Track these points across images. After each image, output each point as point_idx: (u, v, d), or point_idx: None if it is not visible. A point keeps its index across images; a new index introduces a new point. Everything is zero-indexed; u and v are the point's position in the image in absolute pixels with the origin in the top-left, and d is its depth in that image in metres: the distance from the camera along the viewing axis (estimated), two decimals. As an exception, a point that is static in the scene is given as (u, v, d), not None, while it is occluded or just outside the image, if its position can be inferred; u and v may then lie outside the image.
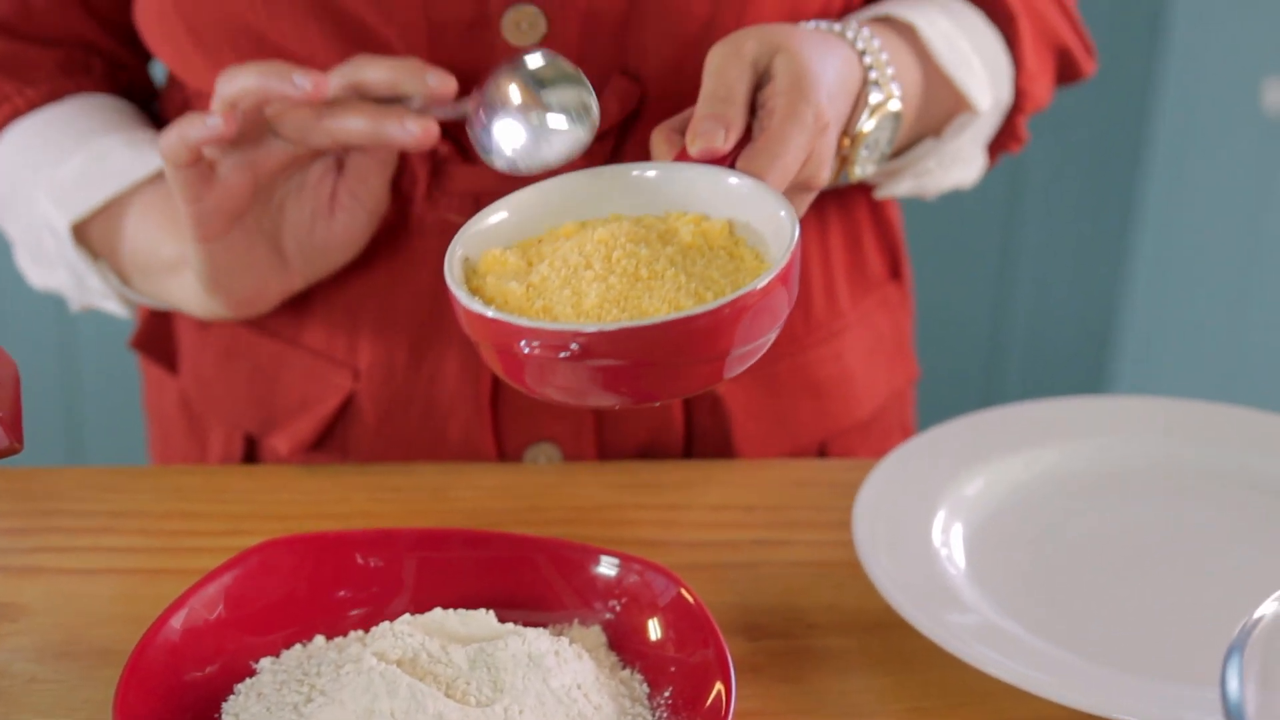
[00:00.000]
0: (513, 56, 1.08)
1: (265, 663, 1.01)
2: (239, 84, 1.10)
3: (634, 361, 0.92)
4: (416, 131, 1.11)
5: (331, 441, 1.33)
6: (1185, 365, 2.84)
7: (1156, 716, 0.98)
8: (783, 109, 1.04)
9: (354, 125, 1.11)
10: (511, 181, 1.22)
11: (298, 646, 1.03)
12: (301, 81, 1.09)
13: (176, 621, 1.00)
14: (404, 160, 1.23)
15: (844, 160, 1.16)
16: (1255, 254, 2.63)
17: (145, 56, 1.36)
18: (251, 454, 1.38)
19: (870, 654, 1.09)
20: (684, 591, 1.02)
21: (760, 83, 1.07)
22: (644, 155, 1.21)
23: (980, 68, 1.27)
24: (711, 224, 1.00)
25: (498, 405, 1.29)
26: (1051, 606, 1.10)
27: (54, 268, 1.28)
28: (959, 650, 1.02)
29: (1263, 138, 2.57)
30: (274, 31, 1.18)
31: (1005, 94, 1.31)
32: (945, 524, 1.16)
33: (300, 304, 1.30)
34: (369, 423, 1.31)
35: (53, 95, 1.29)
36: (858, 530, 1.12)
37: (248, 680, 1.00)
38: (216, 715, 0.98)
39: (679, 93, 1.19)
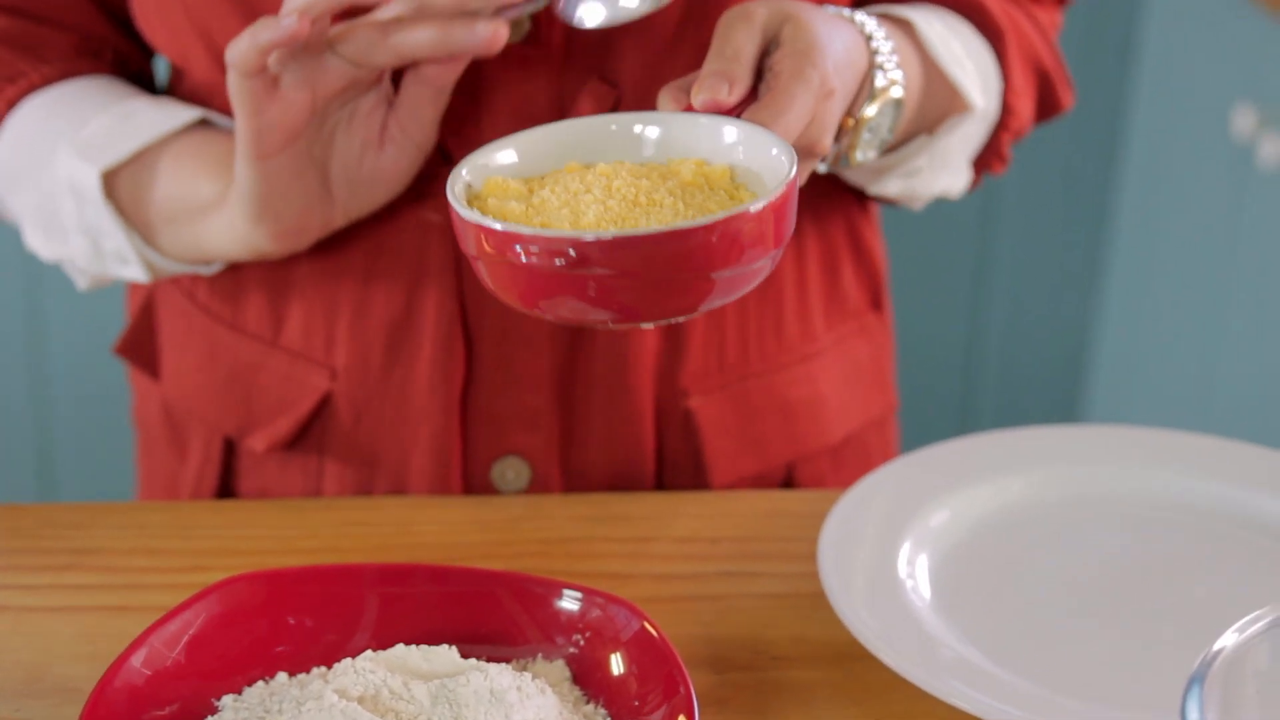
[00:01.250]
0: None
1: (227, 700, 1.01)
2: None
3: (625, 272, 0.94)
4: (487, 34, 1.10)
5: (308, 441, 1.33)
6: (1158, 392, 2.84)
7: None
8: (789, 70, 1.06)
9: (421, 37, 1.11)
10: None
11: (260, 683, 1.02)
12: None
13: (138, 659, 1.00)
14: None
15: (848, 143, 1.18)
16: (1227, 279, 2.64)
17: (149, 54, 1.37)
18: (230, 458, 1.38)
19: (836, 686, 1.08)
20: (647, 625, 1.02)
21: (768, 49, 1.09)
22: None
23: (973, 70, 1.28)
24: (713, 168, 1.03)
25: (466, 410, 1.29)
26: (1017, 638, 1.10)
27: (67, 236, 1.27)
28: (924, 682, 1.02)
29: (1232, 163, 2.58)
30: (273, 9, 1.18)
31: (993, 106, 1.32)
32: (911, 555, 1.16)
33: (279, 303, 1.31)
34: (345, 422, 1.32)
35: (67, 74, 1.29)
36: (823, 562, 1.12)
37: (210, 718, 1.00)
38: (178, 754, 0.98)
39: (651, 98, 1.19)
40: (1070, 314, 2.98)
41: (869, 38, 1.16)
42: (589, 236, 0.93)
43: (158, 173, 1.25)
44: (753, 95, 1.07)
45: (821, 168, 1.20)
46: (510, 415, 1.29)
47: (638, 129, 1.07)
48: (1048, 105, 1.39)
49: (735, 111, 1.05)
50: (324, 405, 1.32)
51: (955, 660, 1.05)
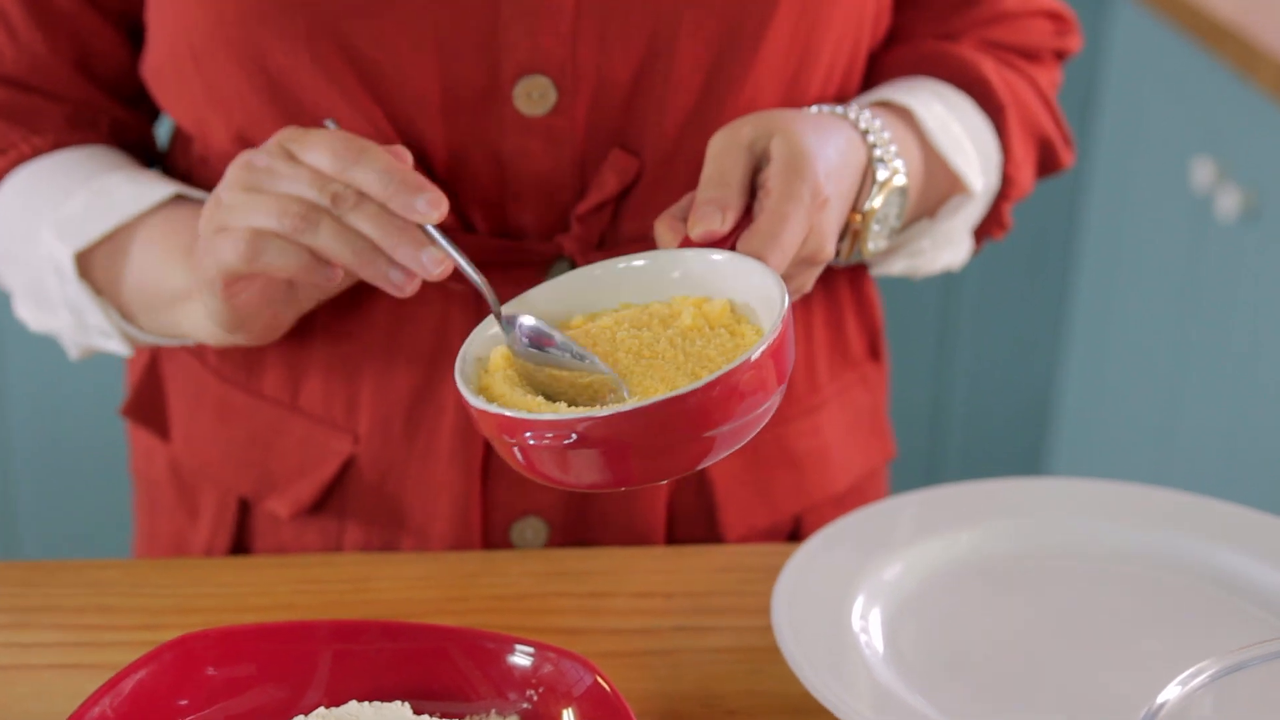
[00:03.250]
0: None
1: (180, 758, 1.01)
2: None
3: (629, 444, 0.95)
4: (433, 271, 1.10)
5: (330, 504, 1.33)
6: (1121, 446, 2.85)
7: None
8: (780, 188, 1.07)
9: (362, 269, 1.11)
10: (513, 252, 1.24)
11: (214, 741, 1.02)
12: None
13: (92, 717, 1.00)
14: None
15: (856, 236, 1.19)
16: (1187, 329, 2.65)
17: (150, 117, 1.37)
18: (245, 518, 1.37)
19: (790, 740, 1.09)
20: (600, 680, 1.02)
21: (759, 165, 1.10)
22: (639, 225, 1.25)
23: (973, 152, 1.30)
24: (713, 305, 1.03)
25: (487, 473, 1.30)
26: (970, 690, 1.10)
27: (55, 309, 1.27)
28: (876, 735, 1.02)
29: (1192, 214, 2.60)
30: (292, 85, 1.20)
31: (994, 180, 1.34)
32: (864, 609, 1.16)
33: (297, 368, 1.31)
34: (369, 484, 1.32)
35: (58, 145, 1.29)
36: (776, 615, 1.12)
37: (162, 777, 1.00)
38: (129, 813, 0.97)
39: (673, 169, 1.23)
40: (1034, 368, 2.99)
41: (865, 132, 1.18)
42: (583, 416, 0.95)
43: (130, 256, 1.25)
44: (748, 216, 1.08)
45: (838, 262, 1.22)
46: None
47: (637, 265, 1.08)
48: (1048, 167, 1.41)
49: (732, 234, 1.06)
50: (347, 469, 1.32)
51: (908, 714, 1.05)
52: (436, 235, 1.09)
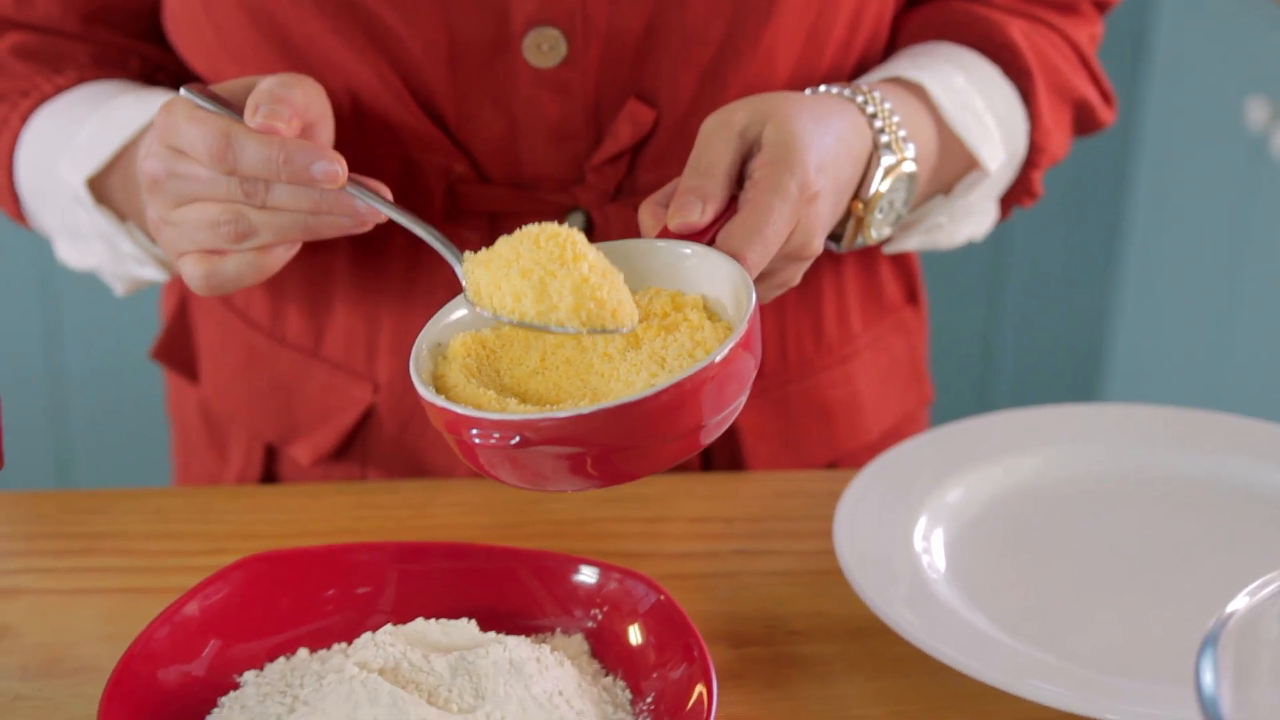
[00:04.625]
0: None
1: (248, 676, 1.02)
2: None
3: (589, 446, 0.91)
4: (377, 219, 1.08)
5: (352, 452, 1.34)
6: (1173, 381, 2.84)
7: (1136, 715, 0.98)
8: (766, 179, 1.03)
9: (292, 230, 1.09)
10: (528, 202, 1.22)
11: (280, 659, 1.03)
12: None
13: (159, 638, 1.01)
14: (420, 180, 1.24)
15: (859, 223, 1.15)
16: (1240, 268, 2.64)
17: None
18: (272, 463, 1.38)
19: (852, 660, 1.09)
20: (664, 598, 1.03)
21: (751, 152, 1.06)
22: (656, 176, 1.23)
23: (994, 125, 1.25)
24: (684, 299, 0.99)
25: None
26: (1032, 610, 1.10)
27: (89, 242, 1.27)
28: (941, 654, 1.03)
29: (1246, 154, 2.58)
30: (301, 36, 1.19)
31: (1020, 148, 1.30)
32: (926, 530, 1.16)
33: (319, 316, 1.31)
34: (389, 433, 1.32)
35: (79, 82, 1.28)
36: (838, 536, 1.13)
37: (231, 694, 1.01)
38: (200, 728, 0.98)
39: (692, 120, 1.19)
40: (1086, 306, 2.98)
41: (872, 116, 1.14)
42: (540, 418, 0.90)
43: (131, 175, 1.23)
44: (734, 205, 1.04)
45: (839, 248, 1.18)
46: None
47: (610, 255, 1.01)
48: (1085, 128, 1.37)
49: (713, 225, 1.02)
50: (367, 417, 1.33)
51: (971, 632, 1.06)
52: (357, 195, 1.05)
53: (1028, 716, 1.03)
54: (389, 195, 1.06)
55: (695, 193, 1.02)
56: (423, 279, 1.27)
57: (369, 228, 1.07)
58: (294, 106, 1.05)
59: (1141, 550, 1.17)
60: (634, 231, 1.23)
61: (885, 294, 1.40)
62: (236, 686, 1.01)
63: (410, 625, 1.00)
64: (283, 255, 1.09)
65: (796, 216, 1.03)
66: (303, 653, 1.03)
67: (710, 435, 0.94)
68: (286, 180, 1.04)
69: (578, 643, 1.04)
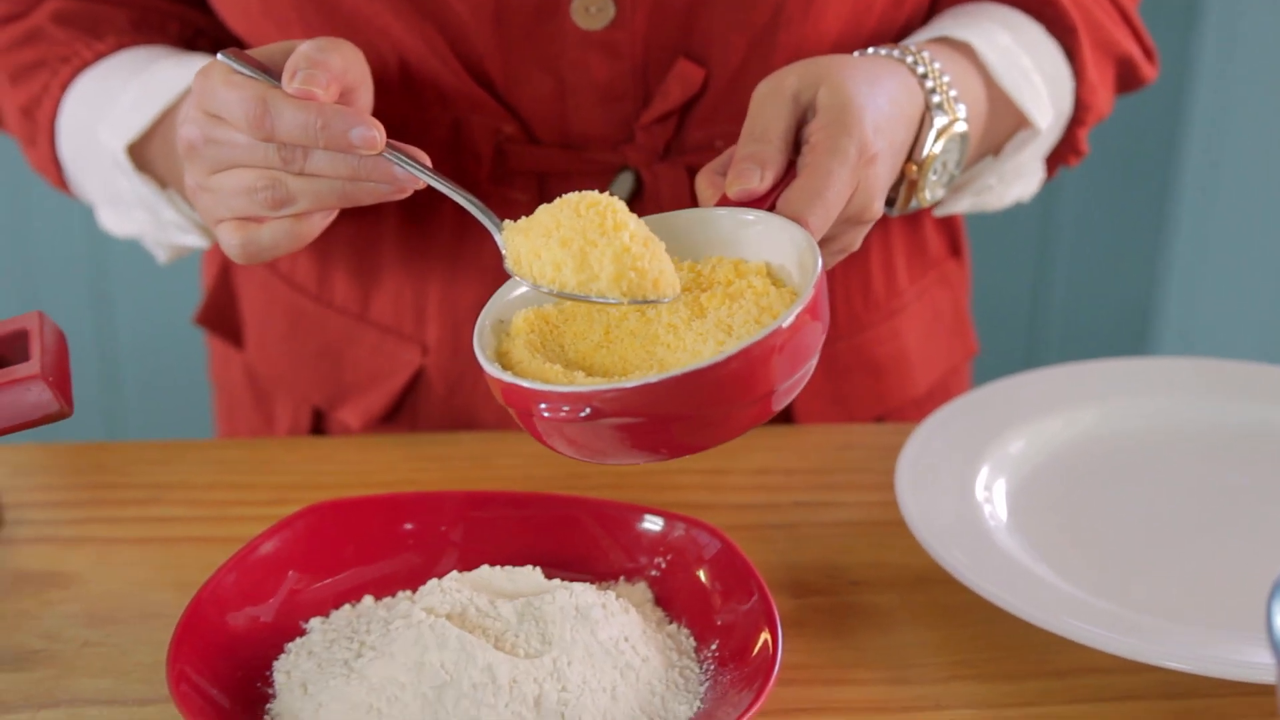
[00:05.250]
0: None
1: (315, 622, 1.02)
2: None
3: (659, 416, 0.90)
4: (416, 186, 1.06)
5: (401, 414, 1.34)
6: (1225, 334, 2.83)
7: (1198, 661, 0.98)
8: (824, 143, 1.02)
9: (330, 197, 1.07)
10: (577, 162, 1.22)
11: (346, 606, 1.04)
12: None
13: (227, 584, 1.01)
14: (468, 140, 1.24)
15: (912, 185, 1.14)
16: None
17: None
18: (319, 427, 1.39)
19: (914, 609, 1.09)
20: (728, 546, 1.03)
21: (805, 118, 1.05)
22: (705, 134, 1.23)
23: (1041, 84, 1.25)
24: (748, 266, 0.99)
25: None
26: (1094, 559, 1.11)
27: (130, 210, 1.27)
28: (1004, 602, 1.03)
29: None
30: (345, 1, 1.19)
31: (1066, 106, 1.29)
32: (988, 480, 1.16)
33: (366, 280, 1.31)
34: (438, 395, 1.32)
35: (119, 48, 1.27)
36: (900, 486, 1.13)
37: (298, 639, 1.01)
38: (268, 673, 0.99)
39: (743, 79, 1.19)
40: (1136, 261, 2.96)
41: (923, 76, 1.13)
42: (607, 389, 0.89)
43: (171, 141, 1.23)
44: (792, 170, 1.03)
45: (892, 212, 1.17)
46: None
47: (672, 224, 1.01)
48: (1129, 85, 1.36)
49: (773, 191, 1.01)
50: (417, 380, 1.33)
51: (1032, 580, 1.06)
52: (395, 161, 1.03)
53: (1090, 664, 1.03)
54: (428, 162, 1.04)
55: (753, 159, 1.02)
56: (471, 242, 1.28)
57: (408, 194, 1.05)
58: (332, 71, 1.04)
59: (1200, 500, 1.17)
60: (683, 189, 1.24)
61: (929, 248, 1.40)
62: (303, 633, 1.02)
63: (476, 572, 1.01)
64: (320, 222, 1.08)
65: (856, 179, 1.02)
66: (368, 600, 1.04)
67: (781, 401, 0.93)
68: (324, 146, 1.03)
69: (641, 590, 1.05)
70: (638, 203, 1.25)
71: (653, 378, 0.89)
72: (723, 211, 1.01)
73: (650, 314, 0.96)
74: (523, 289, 0.99)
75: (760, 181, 1.01)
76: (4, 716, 1.00)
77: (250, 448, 1.29)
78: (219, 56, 1.06)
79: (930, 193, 1.15)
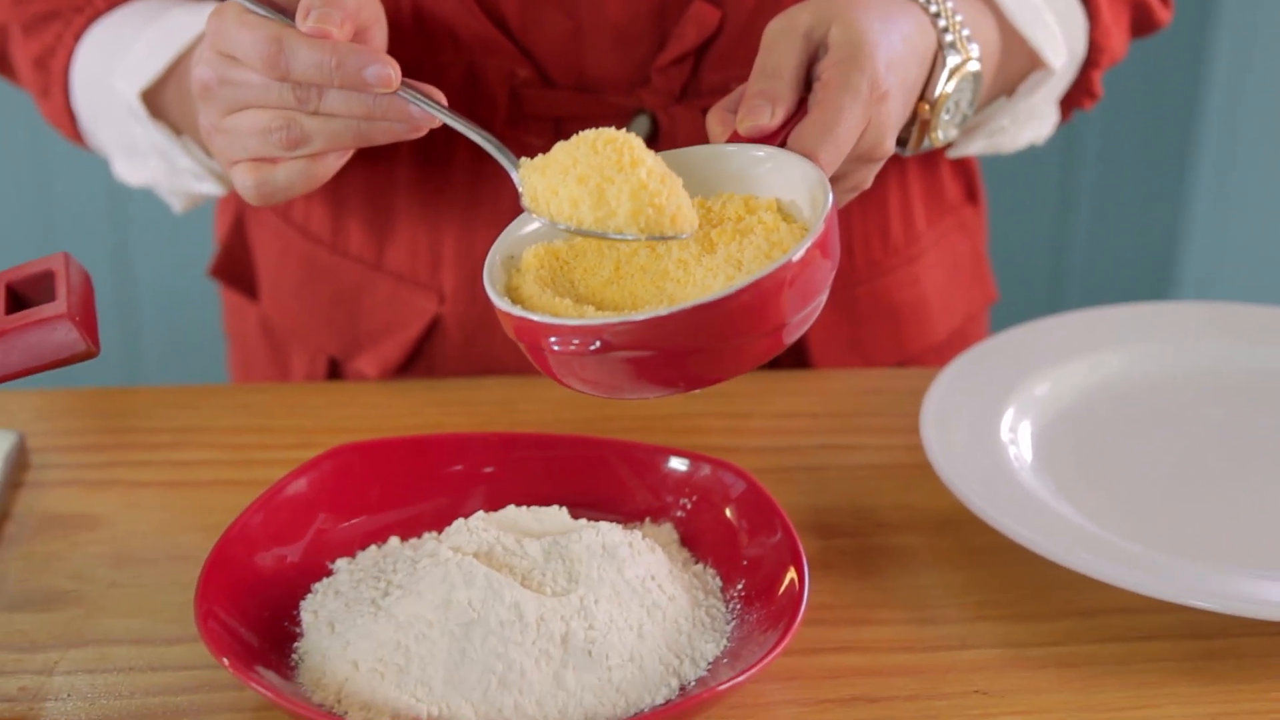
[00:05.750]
0: None
1: (341, 563, 1.03)
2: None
3: (669, 350, 0.90)
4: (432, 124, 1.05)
5: (418, 364, 1.34)
6: (1247, 285, 2.82)
7: (1227, 600, 0.99)
8: (835, 80, 1.01)
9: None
10: (593, 105, 1.22)
11: (372, 547, 1.04)
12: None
13: (253, 524, 1.02)
14: (483, 84, 1.23)
15: (924, 125, 1.14)
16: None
17: None
18: (335, 378, 1.39)
19: (940, 551, 1.09)
20: (754, 486, 1.03)
21: (816, 55, 1.04)
22: (721, 77, 1.22)
23: (1054, 23, 1.24)
24: (758, 202, 0.98)
25: None
26: (1119, 501, 1.11)
27: (145, 158, 1.27)
28: (1030, 542, 1.03)
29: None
30: None
31: (1080, 48, 1.29)
32: (1013, 422, 1.16)
33: (381, 228, 1.31)
34: (455, 343, 1.32)
35: None
36: (925, 426, 1.13)
37: (324, 579, 1.02)
38: (295, 613, 0.99)
39: (758, 20, 1.18)
40: (1158, 208, 2.96)
41: (935, 15, 1.11)
42: (616, 321, 0.89)
43: (185, 88, 1.22)
44: (803, 108, 1.02)
45: (905, 152, 1.16)
46: None
47: (682, 160, 1.00)
48: (1143, 28, 1.35)
49: (784, 128, 1.01)
50: (433, 328, 1.33)
51: (1059, 522, 1.06)
52: (411, 99, 1.02)
53: (1116, 604, 1.04)
54: (443, 100, 1.04)
55: (764, 95, 1.01)
56: (487, 188, 1.27)
57: (423, 133, 1.05)
58: (346, 9, 1.03)
59: (1226, 442, 1.18)
60: (700, 133, 1.23)
61: (946, 193, 1.40)
62: (330, 573, 1.02)
63: (502, 512, 1.01)
64: (334, 163, 1.08)
65: (868, 116, 1.02)
66: (394, 540, 1.04)
67: (792, 335, 0.93)
68: (339, 85, 1.02)
69: (667, 531, 1.05)
70: (654, 146, 1.24)
71: (662, 310, 0.88)
72: (733, 148, 1.01)
73: (660, 250, 0.96)
74: (534, 225, 0.99)
75: (771, 118, 1.00)
76: (34, 655, 1.00)
77: (273, 392, 1.30)
78: None
79: (943, 132, 1.15)
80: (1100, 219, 2.94)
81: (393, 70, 1.01)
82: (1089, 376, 1.23)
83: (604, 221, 0.95)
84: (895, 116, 1.06)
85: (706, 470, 1.06)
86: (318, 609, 0.99)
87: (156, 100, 1.23)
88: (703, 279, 0.94)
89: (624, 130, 0.96)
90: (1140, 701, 0.97)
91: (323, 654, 0.95)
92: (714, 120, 1.05)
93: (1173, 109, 2.87)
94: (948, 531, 1.11)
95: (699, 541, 1.04)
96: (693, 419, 1.23)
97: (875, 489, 1.15)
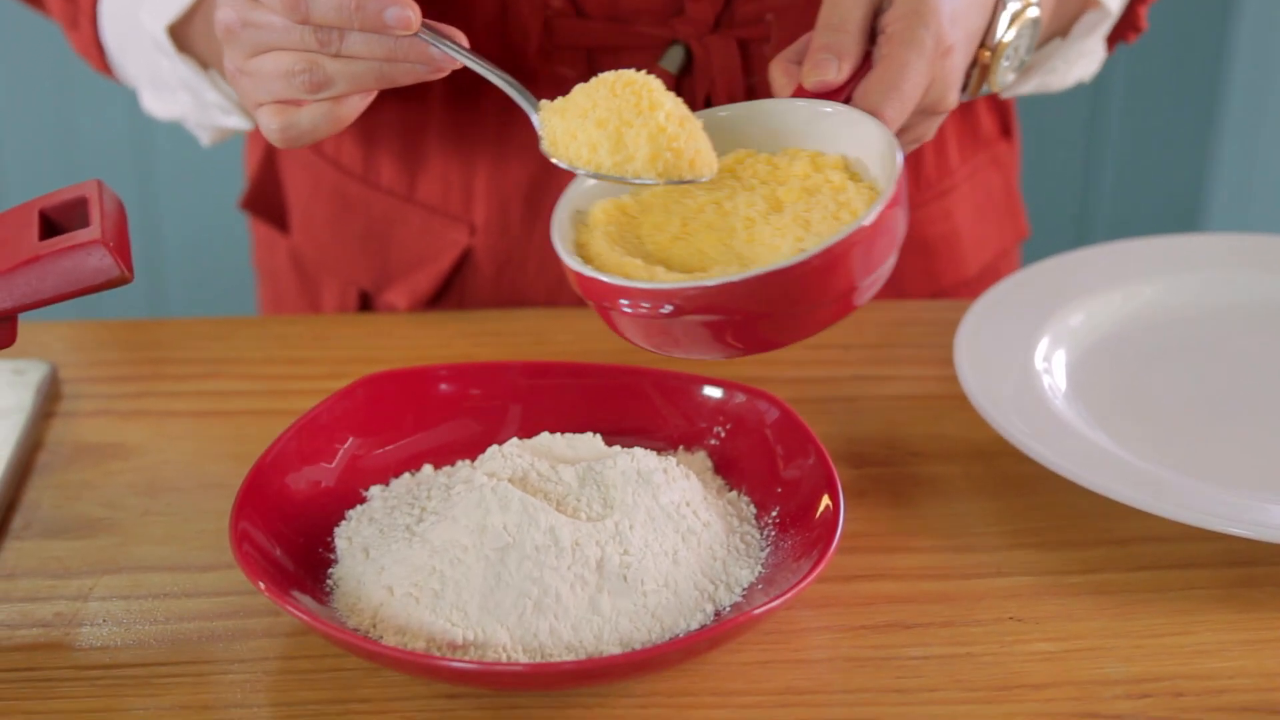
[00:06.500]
0: None
1: (375, 490, 1.03)
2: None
3: (740, 314, 0.90)
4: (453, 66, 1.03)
5: (449, 296, 1.34)
6: (1276, 219, 2.81)
7: (1262, 528, 0.98)
8: (900, 34, 1.00)
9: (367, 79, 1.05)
10: (626, 36, 1.22)
11: (405, 475, 1.04)
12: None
13: (287, 451, 1.02)
14: (515, 16, 1.23)
15: (984, 71, 1.12)
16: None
17: None
18: (366, 310, 1.38)
19: (974, 480, 1.09)
20: (788, 413, 1.03)
21: (880, 7, 1.03)
22: (755, 8, 1.22)
23: None
24: (824, 160, 0.98)
25: None
26: (1153, 429, 1.10)
27: (174, 92, 1.26)
28: (1065, 470, 1.03)
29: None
30: None
31: None
32: (1048, 351, 1.16)
33: (412, 160, 1.31)
34: (486, 276, 1.32)
35: None
36: (960, 356, 1.12)
37: (358, 506, 1.02)
38: (329, 539, 0.99)
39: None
40: (1187, 143, 2.94)
41: None
42: (690, 286, 0.89)
43: (212, 22, 1.19)
44: (868, 62, 1.01)
45: (964, 98, 1.14)
46: None
47: (747, 115, 1.01)
48: None
49: (849, 83, 1.00)
50: (464, 260, 1.33)
51: (1093, 449, 1.06)
52: (431, 41, 1.01)
53: (1151, 532, 1.03)
54: (465, 42, 1.03)
55: (829, 50, 1.00)
56: (519, 121, 1.26)
57: (446, 74, 1.03)
58: None
59: (1260, 371, 1.17)
60: (734, 63, 1.23)
61: (981, 127, 1.39)
62: (363, 500, 1.02)
63: (536, 439, 1.01)
64: (359, 104, 1.06)
65: (933, 71, 1.01)
66: (427, 468, 1.04)
67: (863, 297, 0.93)
68: (360, 27, 1.01)
69: (701, 459, 1.05)
70: (688, 78, 1.25)
71: (735, 276, 0.88)
72: (801, 103, 1.00)
73: (727, 206, 0.96)
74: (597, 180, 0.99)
75: (838, 73, 1.00)
76: (68, 581, 1.00)
77: (304, 323, 1.29)
78: None
79: (1001, 79, 1.13)
80: (1128, 154, 2.92)
81: (412, 12, 1.00)
82: (1123, 307, 1.22)
83: (622, 166, 0.94)
84: (959, 69, 1.05)
85: (741, 398, 1.05)
86: (352, 535, 0.99)
87: (183, 34, 1.22)
88: (770, 238, 0.93)
89: (644, 72, 0.96)
90: (1175, 629, 0.97)
91: (357, 579, 0.95)
92: (777, 72, 1.04)
93: (1202, 39, 2.85)
94: (981, 460, 1.10)
95: (733, 469, 1.04)
96: (725, 350, 1.23)
97: (909, 419, 1.15)
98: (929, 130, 1.06)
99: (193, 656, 0.95)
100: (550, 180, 1.28)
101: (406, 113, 1.29)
